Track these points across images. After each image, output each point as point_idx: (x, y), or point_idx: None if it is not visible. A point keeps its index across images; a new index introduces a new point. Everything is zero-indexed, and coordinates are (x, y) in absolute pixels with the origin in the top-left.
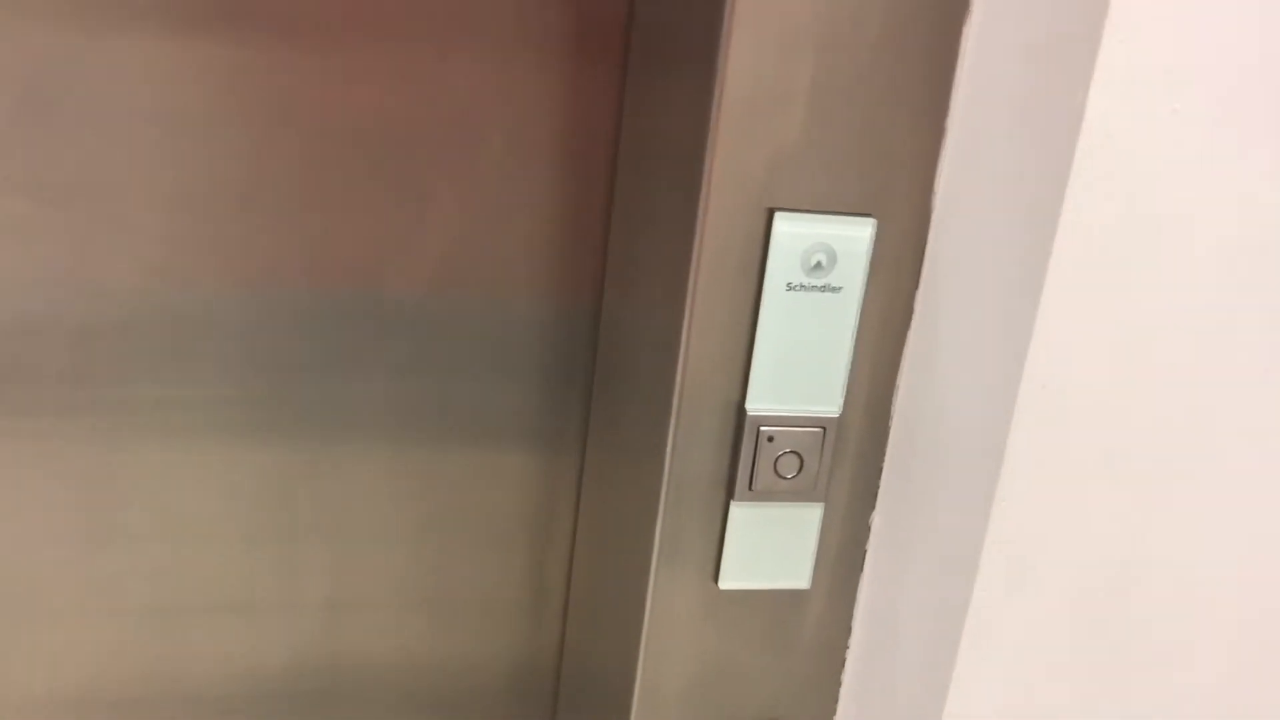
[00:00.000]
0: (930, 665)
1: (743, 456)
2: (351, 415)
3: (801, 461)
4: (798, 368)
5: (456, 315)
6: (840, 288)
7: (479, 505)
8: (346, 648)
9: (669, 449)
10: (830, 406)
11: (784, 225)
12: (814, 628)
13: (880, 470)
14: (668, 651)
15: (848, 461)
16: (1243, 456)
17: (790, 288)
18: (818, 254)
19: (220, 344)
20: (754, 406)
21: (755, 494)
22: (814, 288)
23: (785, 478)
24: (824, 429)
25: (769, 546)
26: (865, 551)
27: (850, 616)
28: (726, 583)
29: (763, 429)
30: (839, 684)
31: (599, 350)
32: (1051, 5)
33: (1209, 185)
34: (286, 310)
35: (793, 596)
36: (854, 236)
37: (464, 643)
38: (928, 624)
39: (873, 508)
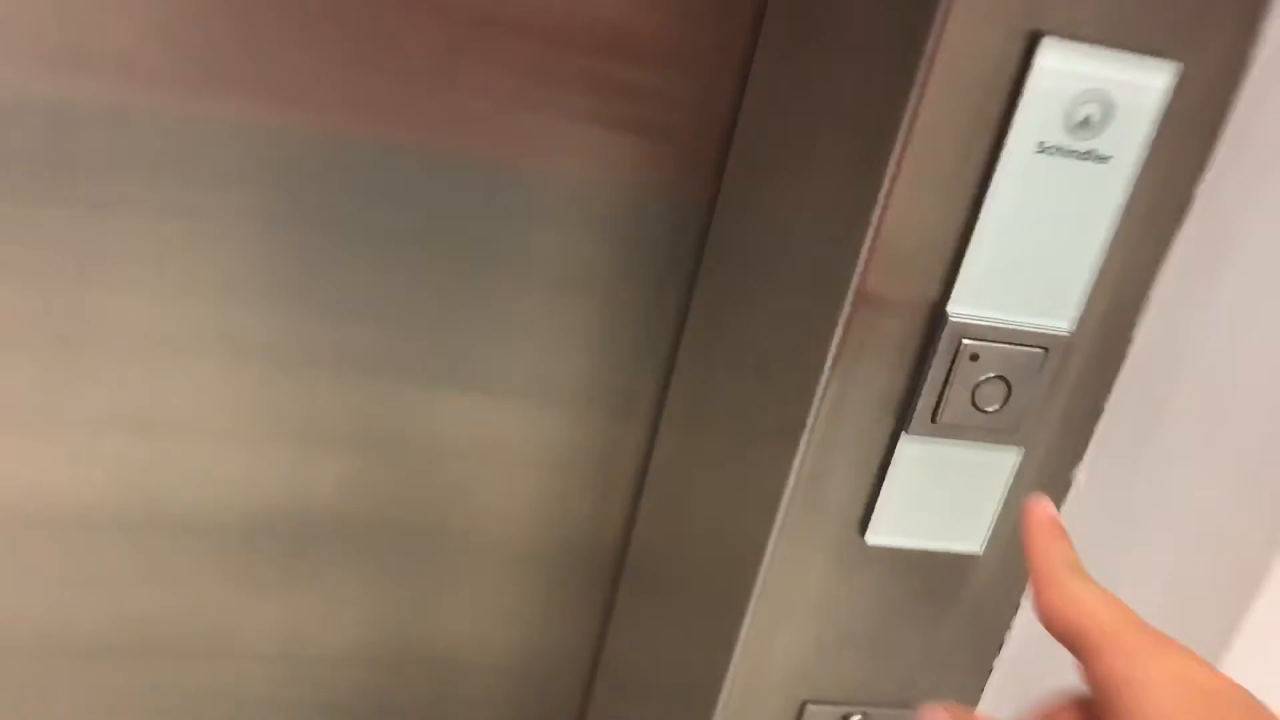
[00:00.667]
0: None
1: (931, 377)
2: (382, 239)
3: (1009, 390)
4: (1028, 264)
5: (526, 159)
6: (1110, 157)
7: (532, 383)
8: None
9: (830, 352)
10: (1061, 321)
11: (1051, 58)
12: (974, 603)
13: (1099, 411)
14: (783, 609)
15: (1063, 396)
16: None
17: (1043, 149)
18: (1090, 104)
19: (232, 146)
20: (959, 311)
21: (938, 427)
22: (1075, 153)
23: (984, 410)
24: (1046, 350)
25: (941, 497)
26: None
27: (1021, 593)
28: (876, 537)
29: (966, 343)
30: (987, 673)
31: (715, 216)
32: None
33: None
34: (315, 128)
35: (956, 563)
36: (1143, 85)
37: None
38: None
39: (1079, 459)
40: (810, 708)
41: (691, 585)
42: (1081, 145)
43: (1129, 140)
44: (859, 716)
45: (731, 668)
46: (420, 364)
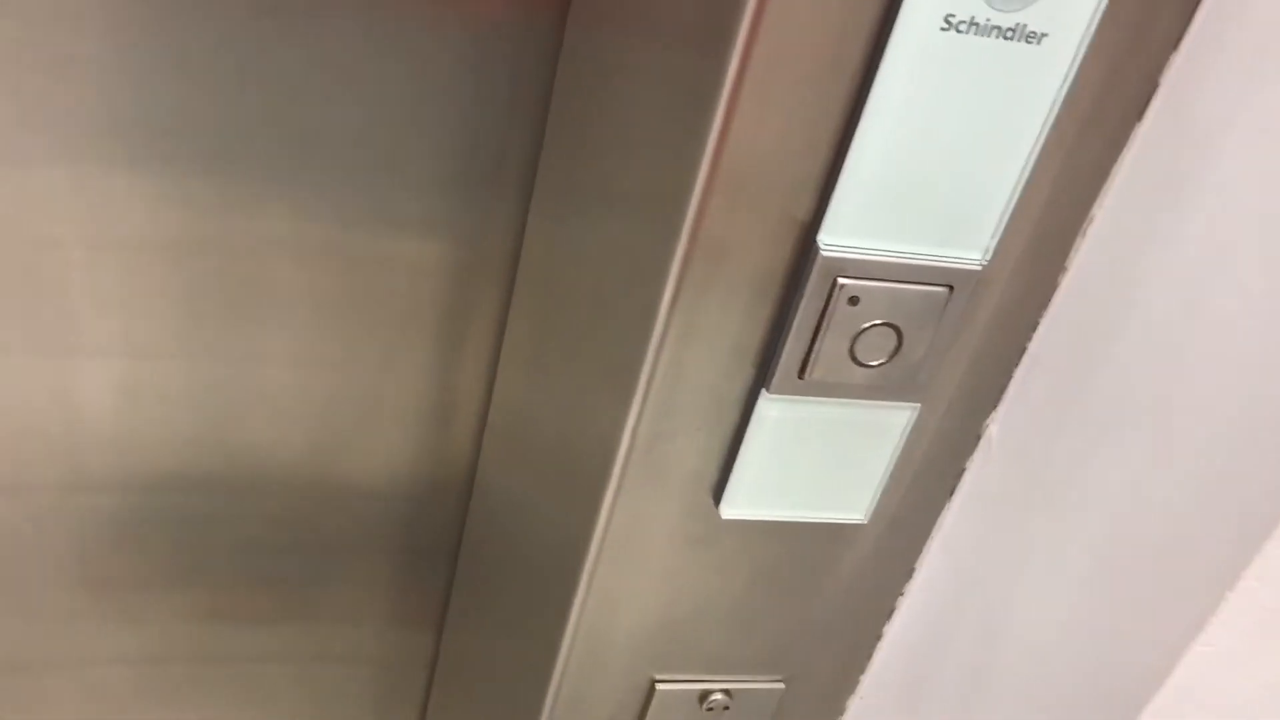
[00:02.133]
0: (1047, 649)
1: (797, 322)
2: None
3: (900, 340)
4: (928, 179)
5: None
6: (1043, 34)
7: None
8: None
9: (667, 288)
10: (971, 251)
11: None
12: (856, 572)
13: (1020, 355)
14: (623, 579)
15: (974, 337)
16: None
17: (951, 25)
18: None
19: None
20: (832, 241)
21: (807, 384)
22: (997, 30)
23: (866, 364)
24: (951, 288)
25: (814, 462)
26: (962, 472)
27: (914, 559)
28: (732, 510)
29: (843, 282)
30: (875, 642)
31: (554, 91)
32: None
33: None
34: None
35: (834, 531)
36: None
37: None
38: (1062, 593)
39: (992, 409)
40: (661, 686)
41: (522, 560)
42: (1006, 19)
43: (1074, 10)
44: (720, 693)
45: (565, 640)
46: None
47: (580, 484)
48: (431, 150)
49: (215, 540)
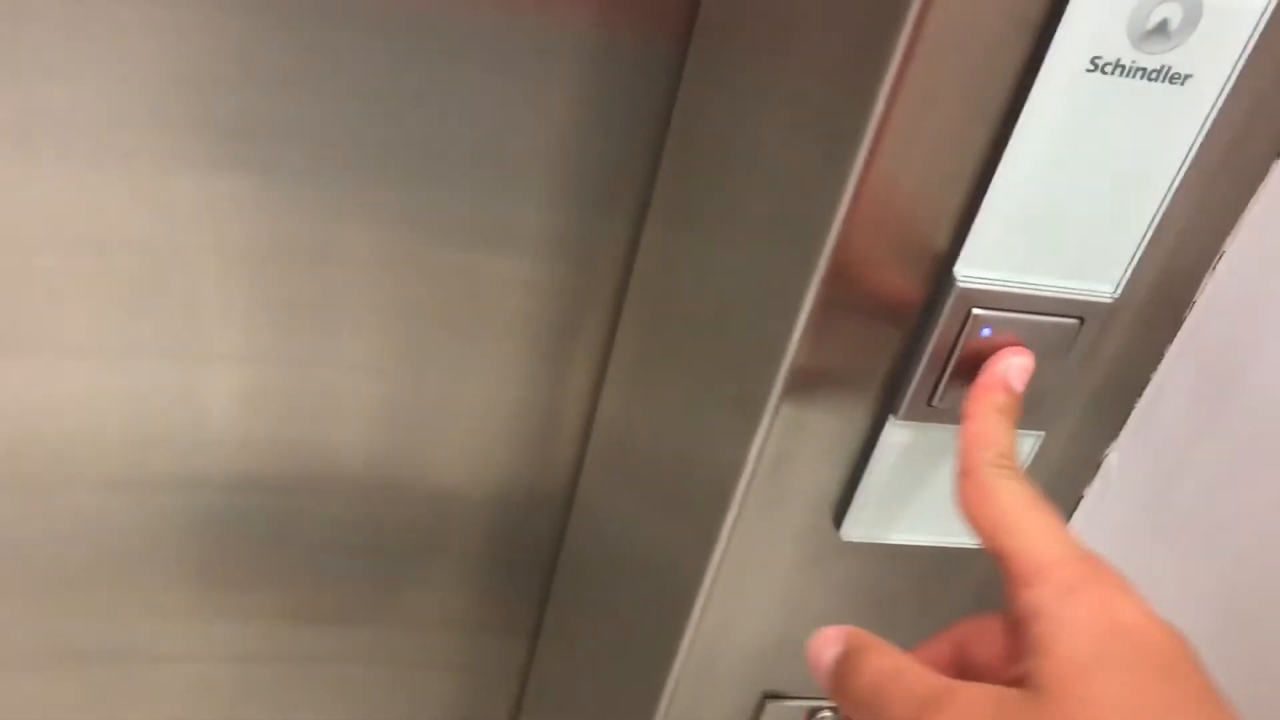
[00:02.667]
0: None
1: (930, 351)
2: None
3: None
4: (1066, 214)
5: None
6: (1188, 76)
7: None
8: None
9: (802, 314)
10: (1103, 284)
11: None
12: (971, 598)
13: (1144, 386)
14: (740, 602)
15: (1100, 368)
16: None
17: (1096, 67)
18: (1167, 3)
19: None
20: (969, 273)
21: (935, 411)
22: (1143, 71)
23: None
24: (1081, 320)
25: (936, 488)
26: (1080, 500)
27: None
28: (851, 532)
29: (976, 313)
30: None
31: (675, 111)
32: None
33: None
34: None
35: (951, 556)
36: None
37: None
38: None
39: (1113, 438)
40: (771, 702)
41: (632, 574)
42: (1152, 60)
43: (1218, 54)
44: (828, 712)
45: (679, 658)
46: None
47: (698, 504)
48: (546, 165)
49: (316, 541)
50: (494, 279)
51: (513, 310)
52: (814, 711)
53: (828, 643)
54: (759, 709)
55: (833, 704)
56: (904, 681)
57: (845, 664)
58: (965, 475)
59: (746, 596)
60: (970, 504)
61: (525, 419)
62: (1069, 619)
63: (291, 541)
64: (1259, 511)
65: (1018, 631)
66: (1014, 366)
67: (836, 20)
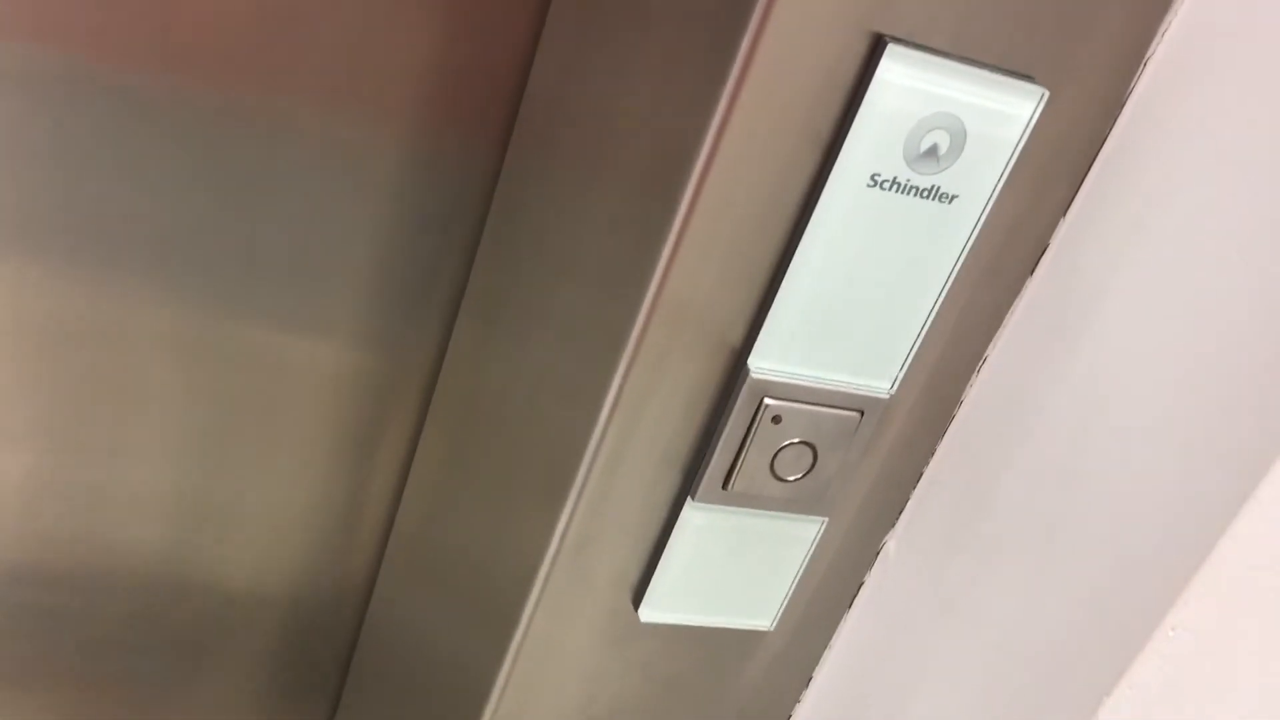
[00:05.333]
0: None
1: (725, 437)
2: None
3: (815, 458)
4: (849, 315)
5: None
6: (955, 195)
7: (288, 401)
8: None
9: (606, 403)
10: (882, 380)
11: (896, 70)
12: (760, 678)
13: (918, 478)
14: (540, 682)
15: (878, 460)
16: None
17: (877, 183)
18: (937, 131)
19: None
20: (762, 365)
21: (730, 495)
22: (916, 190)
23: (785, 479)
24: (862, 414)
25: (729, 570)
26: (861, 585)
27: (812, 668)
28: (651, 613)
29: (769, 402)
30: None
31: (491, 213)
32: None
33: None
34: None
35: (743, 638)
36: (1004, 112)
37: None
38: (958, 709)
39: (891, 526)
40: None
41: (432, 658)
42: (924, 180)
43: (981, 177)
44: None
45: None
46: None
47: (500, 592)
48: (358, 259)
49: (97, 638)
50: (299, 370)
51: (317, 403)
52: None
53: None
54: None
55: None
56: None
57: None
58: None
59: (549, 675)
60: None
61: (324, 514)
62: None
63: (70, 638)
64: (1010, 602)
65: None
66: None
67: (646, 130)
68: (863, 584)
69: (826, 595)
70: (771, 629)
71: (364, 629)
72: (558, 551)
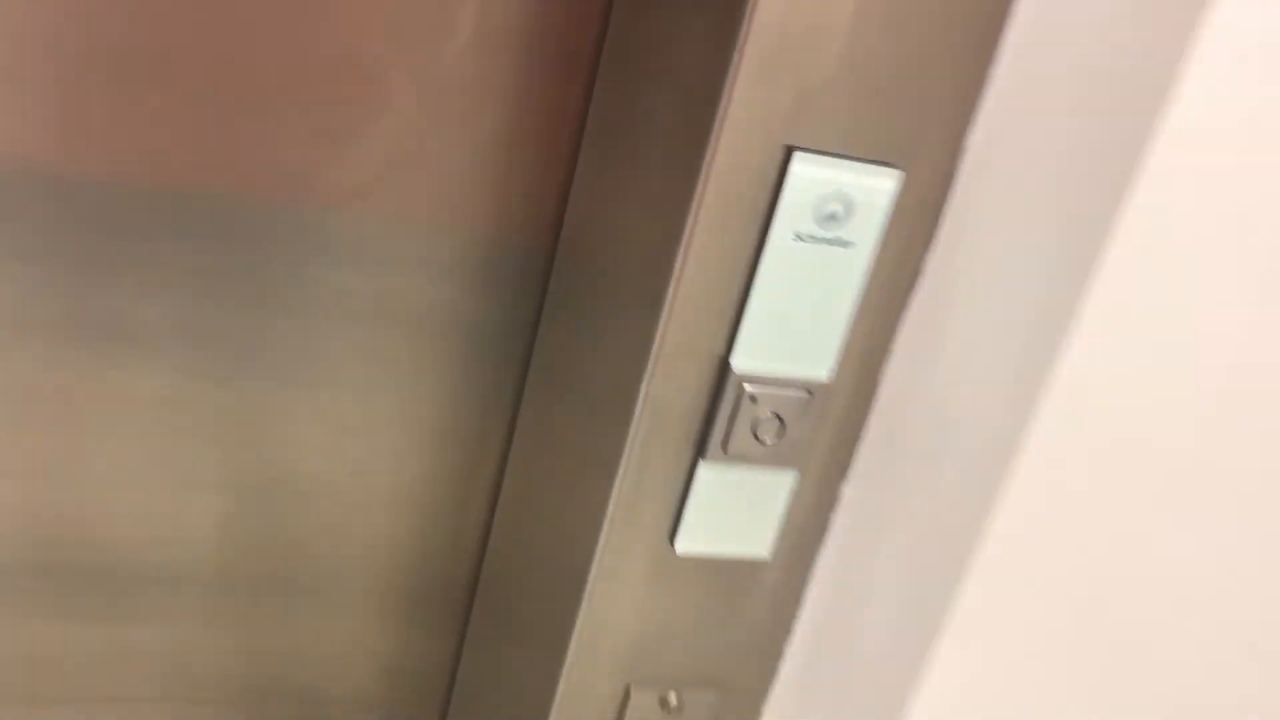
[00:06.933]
0: (897, 650)
1: (720, 415)
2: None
3: (782, 424)
4: (792, 326)
5: (374, 236)
6: (852, 243)
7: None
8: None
9: (640, 397)
10: (821, 370)
11: (802, 167)
12: (766, 598)
13: (857, 439)
14: (609, 607)
15: (829, 428)
16: (1265, 468)
17: (799, 238)
18: (834, 203)
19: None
20: (740, 364)
21: (728, 456)
22: (824, 240)
23: (763, 441)
24: (811, 393)
25: (734, 511)
26: (828, 522)
27: (803, 588)
28: (683, 546)
29: (746, 387)
30: (780, 655)
31: (551, 290)
32: None
33: None
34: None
35: (749, 566)
36: (875, 187)
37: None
38: (896, 606)
39: (843, 478)
40: (634, 690)
41: (532, 600)
42: (830, 234)
43: (866, 230)
44: (674, 695)
45: (567, 661)
46: (279, 406)
47: (578, 535)
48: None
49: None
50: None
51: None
52: (664, 695)
53: None
54: (625, 695)
55: (678, 688)
56: None
57: None
58: None
59: (610, 610)
60: None
61: (442, 495)
62: None
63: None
64: (917, 519)
65: None
66: None
67: (649, 222)
68: (829, 522)
69: (807, 531)
70: (769, 558)
71: (480, 580)
72: (615, 508)
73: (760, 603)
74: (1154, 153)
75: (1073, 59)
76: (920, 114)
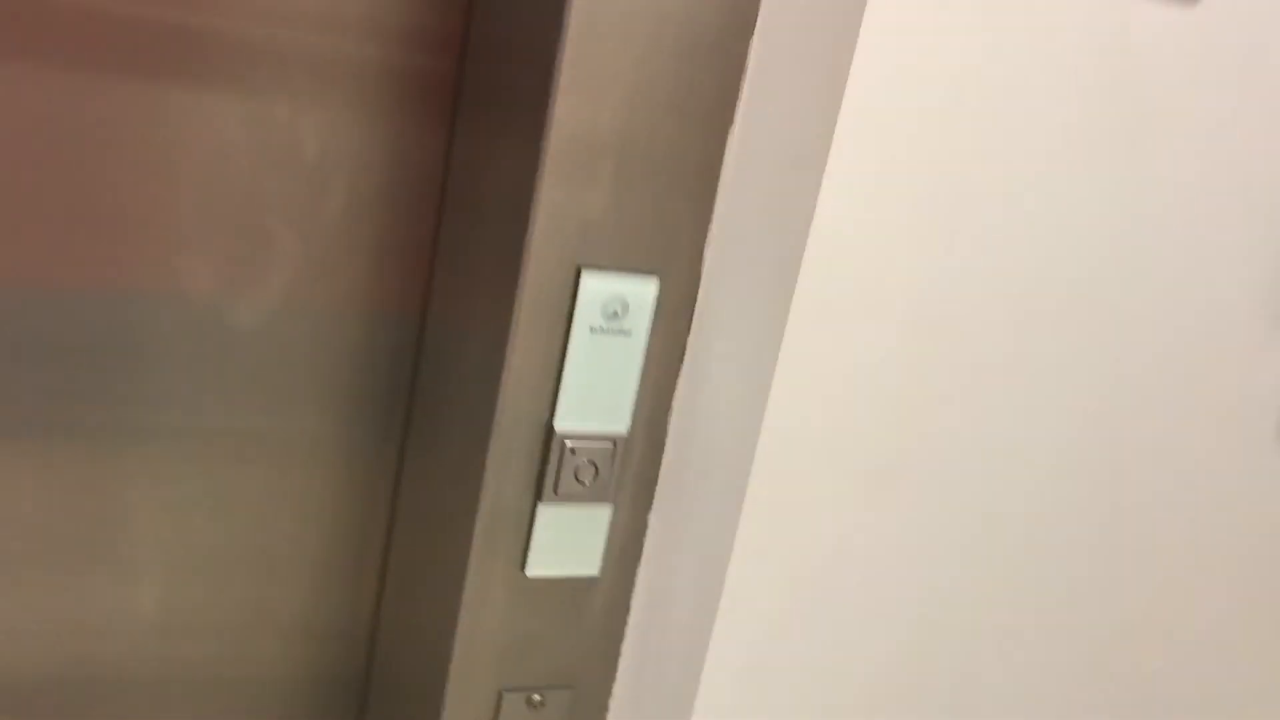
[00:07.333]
0: (692, 634)
1: (549, 465)
2: (138, 426)
3: (596, 469)
4: (596, 394)
5: (283, 336)
6: (630, 331)
7: (285, 527)
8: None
9: (489, 458)
10: (620, 425)
11: (589, 281)
12: (601, 608)
13: (657, 478)
14: (480, 627)
15: (632, 470)
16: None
17: (593, 330)
18: (614, 305)
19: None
20: (560, 424)
21: (559, 496)
22: (611, 331)
23: (582, 483)
24: (615, 443)
25: (567, 540)
26: (643, 544)
27: (629, 597)
28: (532, 570)
29: (566, 442)
30: (618, 654)
31: (419, 378)
32: (793, 129)
33: (909, 266)
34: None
35: (585, 582)
36: (642, 292)
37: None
38: (691, 602)
39: (649, 508)
40: (505, 694)
41: (419, 630)
42: (615, 326)
43: (640, 322)
44: (538, 696)
45: (451, 672)
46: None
47: (451, 571)
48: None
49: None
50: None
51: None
52: (530, 696)
53: None
54: (499, 698)
55: (540, 690)
56: None
57: None
58: None
59: (486, 616)
60: None
61: (337, 563)
62: None
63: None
64: (696, 532)
65: None
66: None
67: (487, 328)
68: (644, 541)
69: (627, 553)
70: (598, 575)
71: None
72: (478, 543)
73: (598, 612)
74: (809, 259)
75: (760, 198)
76: (670, 237)
